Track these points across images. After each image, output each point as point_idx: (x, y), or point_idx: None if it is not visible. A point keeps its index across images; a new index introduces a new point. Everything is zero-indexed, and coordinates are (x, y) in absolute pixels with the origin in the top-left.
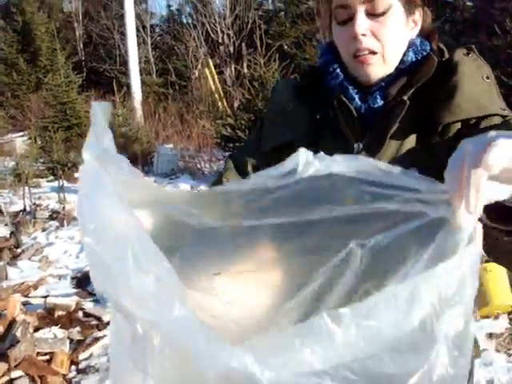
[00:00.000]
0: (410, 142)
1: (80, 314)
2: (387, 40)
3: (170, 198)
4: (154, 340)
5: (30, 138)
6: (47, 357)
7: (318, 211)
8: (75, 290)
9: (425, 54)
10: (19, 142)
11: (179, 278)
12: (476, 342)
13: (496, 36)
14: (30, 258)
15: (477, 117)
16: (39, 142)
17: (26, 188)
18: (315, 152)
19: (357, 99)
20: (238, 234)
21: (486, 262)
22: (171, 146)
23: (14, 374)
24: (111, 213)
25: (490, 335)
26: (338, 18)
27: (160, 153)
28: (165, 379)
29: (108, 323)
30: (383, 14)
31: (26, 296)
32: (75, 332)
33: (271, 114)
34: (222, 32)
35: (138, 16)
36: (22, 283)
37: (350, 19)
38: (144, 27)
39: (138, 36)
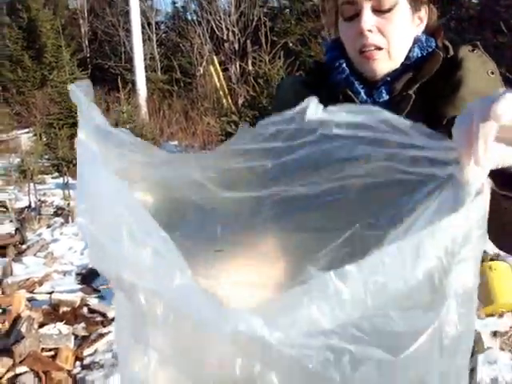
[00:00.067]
0: None
1: (85, 310)
2: (393, 36)
3: (171, 164)
4: (157, 309)
5: (35, 135)
6: (52, 353)
7: (326, 175)
8: (80, 286)
9: (430, 50)
10: (24, 138)
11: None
12: (479, 337)
13: (501, 33)
14: (35, 255)
15: None
16: (44, 139)
17: (31, 184)
18: None
19: (362, 93)
20: (241, 207)
21: (491, 260)
22: (176, 142)
23: (19, 369)
24: (103, 189)
25: (495, 333)
26: (344, 14)
27: (165, 150)
28: (168, 349)
29: (113, 319)
30: (389, 10)
31: (31, 292)
32: (80, 328)
33: (276, 112)
34: (227, 29)
35: (143, 13)
36: (27, 279)
37: (357, 15)
38: (149, 24)
39: (143, 33)
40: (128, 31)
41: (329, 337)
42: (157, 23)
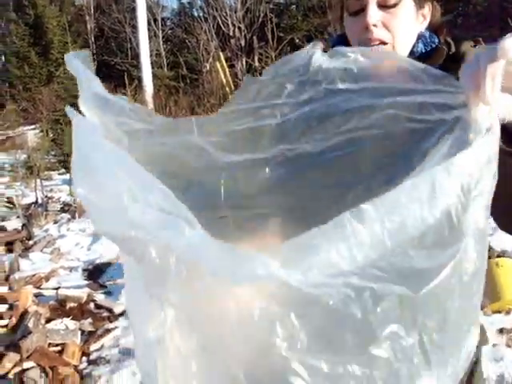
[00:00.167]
0: None
1: (91, 305)
2: (398, 31)
3: (172, 130)
4: (171, 263)
5: (41, 131)
6: (59, 348)
7: (331, 129)
8: (86, 282)
9: (434, 46)
10: (31, 134)
11: None
12: (482, 328)
13: (509, 30)
14: (41, 250)
15: None
16: (51, 135)
17: (38, 181)
18: None
19: None
20: (245, 172)
21: (498, 257)
22: None
23: (26, 364)
24: (101, 157)
25: (501, 330)
26: (349, 9)
27: None
28: (184, 303)
29: (119, 315)
30: (394, 5)
31: (38, 287)
32: (86, 323)
33: None
34: (233, 25)
35: (149, 9)
36: (34, 275)
37: (362, 10)
38: (155, 20)
39: (149, 29)
40: (134, 27)
41: (348, 277)
42: (163, 19)
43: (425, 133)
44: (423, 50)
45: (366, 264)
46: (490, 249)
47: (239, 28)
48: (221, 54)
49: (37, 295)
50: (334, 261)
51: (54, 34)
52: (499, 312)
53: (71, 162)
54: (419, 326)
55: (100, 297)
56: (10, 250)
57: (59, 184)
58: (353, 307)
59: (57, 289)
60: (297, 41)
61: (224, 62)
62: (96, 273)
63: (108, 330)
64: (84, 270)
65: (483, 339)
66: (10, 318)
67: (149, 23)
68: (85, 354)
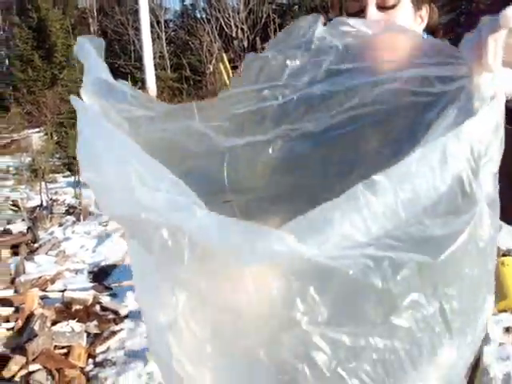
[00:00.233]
0: None
1: (97, 307)
2: None
3: (173, 116)
4: (183, 244)
5: (46, 134)
6: (65, 350)
7: (334, 106)
8: (92, 284)
9: None
10: (35, 137)
11: None
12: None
13: None
14: (47, 253)
15: None
16: (55, 138)
17: (43, 183)
18: None
19: None
20: (247, 154)
21: (503, 255)
22: None
23: (32, 367)
24: (106, 143)
25: (507, 329)
26: (349, 9)
27: None
28: (198, 283)
29: (125, 317)
30: (393, 6)
31: (44, 290)
32: (92, 326)
33: None
34: (236, 26)
35: (152, 11)
36: (40, 277)
37: (361, 11)
38: (158, 22)
39: (152, 31)
40: (137, 30)
41: (365, 248)
42: (166, 21)
43: (428, 105)
44: None
45: (381, 235)
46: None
47: (242, 29)
48: (224, 55)
49: (42, 298)
50: (349, 233)
51: (57, 37)
52: (505, 311)
53: (77, 148)
54: (439, 294)
55: (106, 299)
56: (15, 253)
57: (64, 186)
58: (372, 276)
59: (62, 291)
60: None
61: (227, 63)
62: (101, 275)
63: (114, 332)
64: (89, 273)
65: (485, 338)
66: (15, 321)
67: (152, 25)
68: (91, 356)
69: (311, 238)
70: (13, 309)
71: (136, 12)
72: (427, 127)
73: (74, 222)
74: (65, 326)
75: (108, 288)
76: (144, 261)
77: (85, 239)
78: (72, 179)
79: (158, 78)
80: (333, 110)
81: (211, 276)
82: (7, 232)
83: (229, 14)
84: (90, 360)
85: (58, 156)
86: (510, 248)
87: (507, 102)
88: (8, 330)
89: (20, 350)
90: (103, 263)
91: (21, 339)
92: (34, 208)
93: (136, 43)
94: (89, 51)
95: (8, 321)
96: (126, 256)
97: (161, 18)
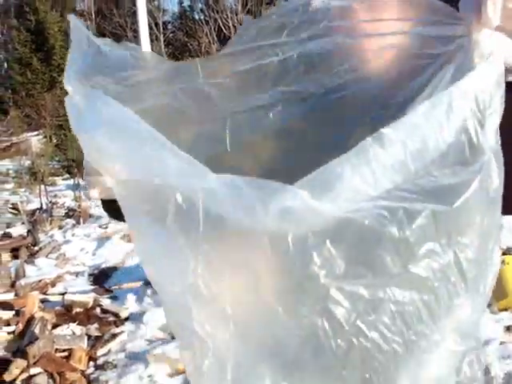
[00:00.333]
0: None
1: (97, 310)
2: None
3: (176, 75)
4: (198, 206)
5: (45, 137)
6: (65, 353)
7: (335, 66)
8: (92, 287)
9: None
10: (34, 140)
11: None
12: None
13: None
14: (47, 256)
15: None
16: (54, 141)
17: (42, 186)
18: None
19: None
20: (249, 117)
21: (504, 254)
22: None
23: (33, 370)
24: (113, 117)
25: (508, 328)
26: None
27: None
28: (215, 244)
29: (125, 319)
30: None
31: (44, 293)
32: (93, 328)
33: None
34: (235, 27)
35: (150, 13)
36: (40, 281)
37: None
38: (156, 24)
39: (150, 33)
40: (135, 32)
41: (377, 201)
42: (164, 23)
43: (427, 66)
44: None
45: (392, 188)
46: None
47: None
48: None
49: (43, 301)
50: (360, 187)
51: (55, 40)
52: (506, 310)
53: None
54: (453, 243)
55: (106, 301)
56: (15, 257)
57: (63, 189)
58: (388, 225)
59: (63, 294)
60: None
61: None
62: (102, 277)
63: (114, 335)
64: (90, 275)
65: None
66: (16, 325)
67: (150, 27)
68: (92, 359)
69: (323, 194)
70: (13, 312)
71: (134, 14)
72: (427, 82)
73: (73, 225)
74: (65, 329)
75: (108, 290)
76: (155, 236)
77: (85, 242)
78: (71, 182)
79: None
80: (333, 70)
81: (227, 237)
82: (7, 235)
83: (227, 15)
84: (91, 363)
85: (57, 159)
86: (510, 246)
87: (507, 70)
88: (9, 333)
89: (21, 353)
90: (103, 266)
91: (21, 343)
92: (34, 211)
93: None
94: (80, 28)
95: (9, 324)
96: (126, 258)
97: (159, 19)
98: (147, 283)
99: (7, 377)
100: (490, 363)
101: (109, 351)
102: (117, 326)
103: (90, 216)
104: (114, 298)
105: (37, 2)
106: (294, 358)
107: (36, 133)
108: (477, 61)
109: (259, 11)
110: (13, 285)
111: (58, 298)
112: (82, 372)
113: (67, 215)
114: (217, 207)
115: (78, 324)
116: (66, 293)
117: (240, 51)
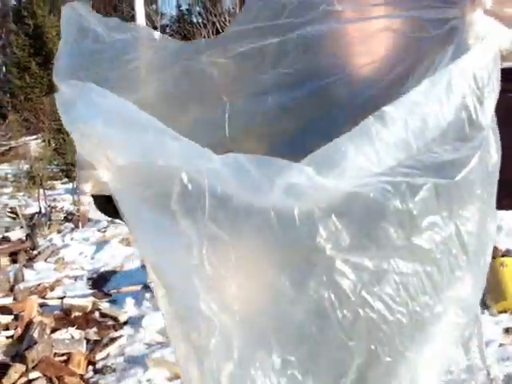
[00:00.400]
0: None
1: (96, 314)
2: None
3: (182, 52)
4: (203, 185)
5: (43, 141)
6: (64, 357)
7: (332, 51)
8: (91, 291)
9: None
10: (33, 144)
11: None
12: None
13: None
14: (45, 260)
15: None
16: (53, 145)
17: (41, 190)
18: None
19: None
20: (250, 103)
21: (502, 256)
22: None
23: (32, 375)
24: (113, 109)
25: (507, 330)
26: None
27: None
28: (221, 221)
29: (124, 323)
30: None
31: (43, 297)
32: (92, 332)
33: None
34: None
35: (148, 17)
36: (39, 285)
37: None
38: (155, 28)
39: None
40: None
41: (380, 177)
42: (162, 27)
43: (420, 47)
44: None
45: (395, 165)
46: (496, 249)
47: None
48: None
49: (42, 305)
50: (364, 165)
51: (54, 44)
52: (505, 312)
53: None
54: (455, 216)
55: (105, 305)
56: (14, 261)
57: (62, 193)
58: (392, 198)
59: (61, 298)
60: None
61: None
62: (100, 281)
63: (113, 339)
64: (88, 279)
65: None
66: (15, 329)
67: None
68: (91, 363)
69: (328, 171)
70: (12, 316)
71: (132, 18)
72: (425, 70)
73: (72, 229)
74: (64, 333)
75: (107, 294)
76: (156, 222)
77: (83, 246)
78: (70, 186)
79: None
80: (329, 53)
81: (234, 212)
82: (6, 239)
83: (225, 19)
84: (90, 367)
85: (55, 163)
86: (509, 249)
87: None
88: (7, 337)
89: (20, 357)
90: (102, 269)
91: (20, 347)
92: (33, 215)
93: None
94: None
95: (7, 329)
96: (124, 262)
97: (157, 23)
98: (146, 287)
99: (6, 381)
100: (489, 365)
101: (108, 355)
102: (116, 330)
103: (89, 220)
104: (112, 302)
105: (35, 6)
106: (301, 331)
107: (35, 137)
108: (472, 42)
109: None
110: (11, 289)
111: (56, 302)
112: (81, 376)
113: (66, 219)
114: (222, 186)
115: (76, 328)
116: (64, 297)
117: (241, 31)
